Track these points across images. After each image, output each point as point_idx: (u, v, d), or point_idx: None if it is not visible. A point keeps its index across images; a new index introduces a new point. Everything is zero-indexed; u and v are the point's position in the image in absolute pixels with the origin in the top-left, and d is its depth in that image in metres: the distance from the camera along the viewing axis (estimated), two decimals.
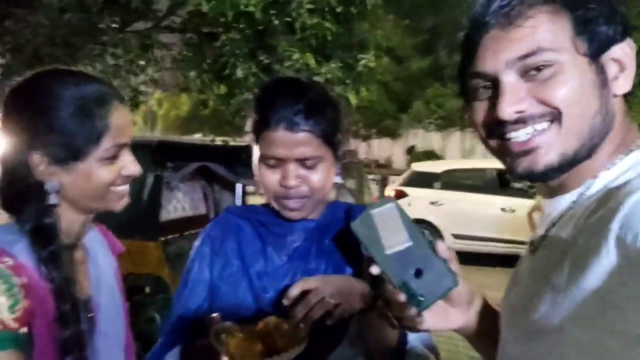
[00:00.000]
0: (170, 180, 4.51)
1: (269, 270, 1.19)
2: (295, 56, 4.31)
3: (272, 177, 1.13)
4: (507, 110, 0.76)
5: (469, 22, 0.81)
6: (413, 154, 25.61)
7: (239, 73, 4.51)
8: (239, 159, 4.37)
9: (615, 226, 0.64)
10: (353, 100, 4.89)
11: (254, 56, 4.62)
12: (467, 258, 7.05)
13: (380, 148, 30.76)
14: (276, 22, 4.35)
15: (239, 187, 4.94)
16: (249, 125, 1.18)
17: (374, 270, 0.83)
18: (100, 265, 1.16)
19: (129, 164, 1.07)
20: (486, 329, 0.95)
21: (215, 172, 4.67)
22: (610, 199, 0.71)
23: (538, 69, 0.75)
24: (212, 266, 1.22)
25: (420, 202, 8.35)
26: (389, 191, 8.94)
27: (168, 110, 33.81)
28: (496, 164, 1.04)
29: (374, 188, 10.88)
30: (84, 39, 4.99)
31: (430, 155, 24.60)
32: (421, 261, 0.81)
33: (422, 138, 28.42)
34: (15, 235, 0.99)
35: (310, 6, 4.56)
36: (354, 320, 1.11)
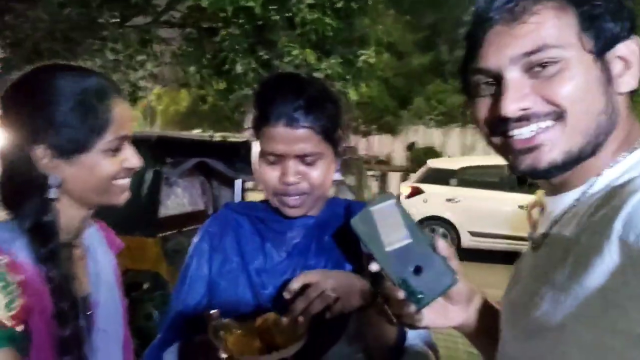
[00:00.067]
0: (169, 176, 4.51)
1: (268, 267, 1.18)
2: (295, 52, 4.29)
3: (271, 174, 1.13)
4: (511, 107, 0.75)
5: (472, 18, 0.80)
6: (413, 151, 25.60)
7: (239, 68, 4.49)
8: (238, 155, 4.36)
9: (618, 225, 0.64)
10: (353, 96, 4.88)
11: (254, 51, 4.60)
12: (483, 256, 7.03)
13: (380, 144, 30.73)
14: (276, 17, 4.33)
15: (238, 183, 4.94)
16: (248, 121, 1.18)
17: (374, 267, 0.83)
18: (100, 262, 1.16)
19: (131, 157, 1.07)
20: (486, 327, 0.94)
21: (214, 168, 4.66)
22: (614, 197, 0.70)
23: (543, 65, 0.74)
24: (211, 262, 1.22)
25: (437, 199, 8.33)
26: (405, 187, 8.92)
27: (167, 105, 33.76)
28: None
29: (374, 185, 10.88)
30: (83, 33, 4.98)
31: (431, 151, 24.59)
32: (421, 258, 0.81)
33: (423, 134, 28.40)
34: (13, 233, 0.98)
35: (310, 1, 4.54)
36: (353, 317, 1.11)
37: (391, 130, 27.89)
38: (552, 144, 0.76)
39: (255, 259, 1.19)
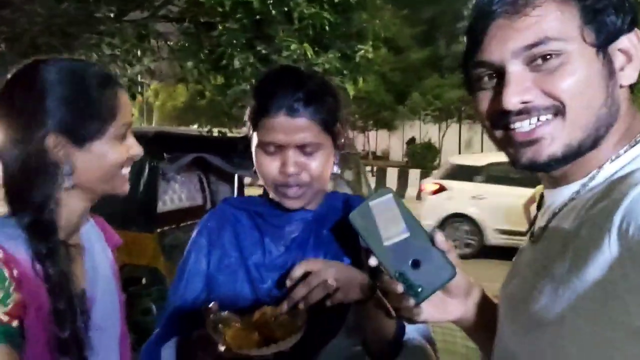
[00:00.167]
0: (166, 171, 4.51)
1: (266, 261, 1.18)
2: (293, 46, 4.27)
3: (271, 165, 1.13)
4: (512, 100, 0.75)
5: (474, 11, 0.80)
6: (411, 146, 25.62)
7: (237, 63, 4.47)
8: (235, 150, 4.36)
9: (617, 218, 0.64)
10: (351, 91, 4.85)
11: (252, 46, 4.58)
12: (509, 253, 6.95)
13: (377, 139, 30.74)
14: (274, 11, 4.31)
15: (236, 178, 4.94)
16: (247, 113, 1.18)
17: (372, 261, 0.83)
18: (97, 258, 1.15)
19: (134, 145, 1.10)
20: (484, 321, 0.94)
21: (212, 163, 4.67)
22: (614, 190, 0.70)
23: (544, 58, 0.74)
24: (209, 257, 1.22)
25: (462, 196, 8.24)
26: (429, 184, 8.85)
27: (164, 101, 33.70)
28: None
29: (371, 180, 10.88)
30: (80, 28, 4.95)
31: (429, 147, 24.59)
32: (419, 252, 0.81)
33: (419, 130, 28.40)
34: (10, 228, 0.98)
35: None
36: (352, 311, 1.11)
37: (388, 125, 27.89)
38: (551, 137, 0.76)
39: (253, 254, 1.19)
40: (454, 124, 26.56)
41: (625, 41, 0.76)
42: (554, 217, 0.82)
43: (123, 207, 3.10)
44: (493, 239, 8.09)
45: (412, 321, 0.90)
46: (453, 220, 8.45)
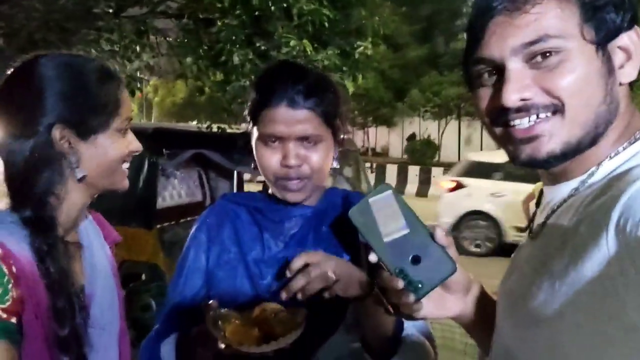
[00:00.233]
0: (166, 167, 4.50)
1: (266, 257, 1.19)
2: (293, 42, 4.27)
3: (272, 158, 1.13)
4: (512, 97, 0.75)
5: (474, 8, 0.80)
6: (410, 143, 25.61)
7: (236, 60, 4.46)
8: (235, 146, 4.36)
9: (615, 214, 0.64)
10: (350, 87, 4.85)
11: (251, 43, 4.58)
12: None
13: (376, 136, 30.71)
14: (273, 8, 4.31)
15: (235, 174, 4.93)
16: (247, 107, 1.18)
17: (372, 257, 0.83)
18: (95, 255, 1.15)
19: (133, 140, 1.12)
20: (483, 317, 0.95)
21: (211, 160, 4.66)
22: (612, 186, 0.70)
23: (544, 55, 0.74)
24: (209, 253, 1.22)
25: (480, 193, 8.13)
26: (446, 182, 8.75)
27: (164, 97, 33.64)
28: None
29: (371, 176, 10.87)
30: (78, 24, 4.94)
31: (428, 143, 24.59)
32: (419, 248, 0.81)
33: (418, 126, 28.38)
34: (10, 224, 0.98)
35: None
36: (351, 307, 1.11)
37: (387, 122, 27.87)
38: (550, 134, 0.76)
39: (253, 249, 1.19)
40: (453, 121, 26.55)
41: (625, 39, 0.76)
42: (552, 214, 0.82)
43: (123, 203, 3.11)
44: (511, 236, 7.97)
45: (411, 318, 0.90)
46: (471, 218, 8.36)
